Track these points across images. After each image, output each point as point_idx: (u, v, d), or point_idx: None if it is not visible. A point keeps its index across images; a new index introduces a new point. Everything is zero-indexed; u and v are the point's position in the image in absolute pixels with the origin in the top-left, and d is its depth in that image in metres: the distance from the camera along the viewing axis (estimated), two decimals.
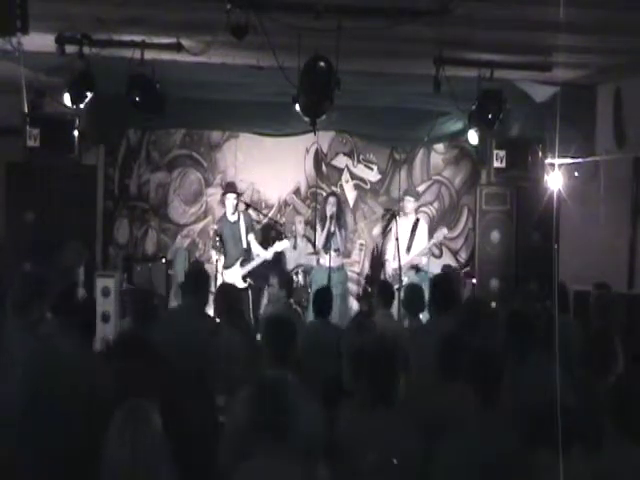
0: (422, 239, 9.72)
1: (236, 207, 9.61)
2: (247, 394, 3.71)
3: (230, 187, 9.82)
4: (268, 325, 4.56)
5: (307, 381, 4.76)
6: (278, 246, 9.49)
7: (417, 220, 9.84)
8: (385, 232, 10.46)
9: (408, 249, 9.53)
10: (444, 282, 6.33)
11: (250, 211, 10.23)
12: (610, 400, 3.56)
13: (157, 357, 4.82)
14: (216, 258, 9.92)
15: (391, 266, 9.64)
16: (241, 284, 9.26)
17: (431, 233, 10.00)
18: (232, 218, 9.60)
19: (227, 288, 6.82)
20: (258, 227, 10.36)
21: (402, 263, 9.28)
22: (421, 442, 3.84)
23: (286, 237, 10.01)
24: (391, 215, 10.10)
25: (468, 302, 6.82)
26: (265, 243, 9.94)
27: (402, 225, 9.55)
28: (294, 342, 4.29)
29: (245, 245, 9.55)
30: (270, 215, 10.77)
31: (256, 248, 9.59)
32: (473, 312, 5.69)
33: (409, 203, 9.86)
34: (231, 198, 9.59)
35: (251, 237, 9.62)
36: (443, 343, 4.56)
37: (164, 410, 3.43)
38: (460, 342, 4.52)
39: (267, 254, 9.43)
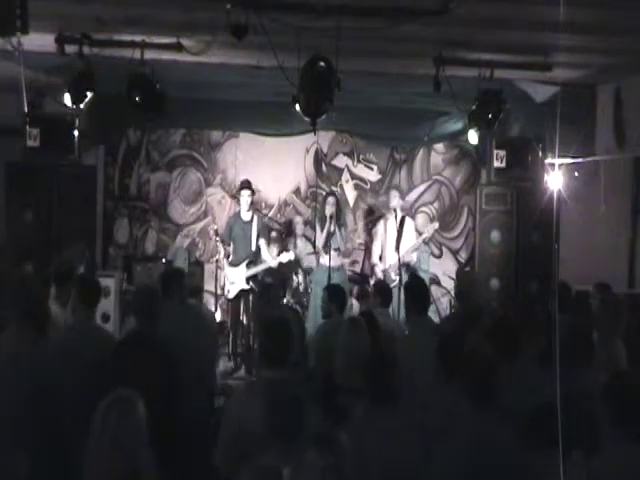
0: (410, 237, 9.64)
1: (250, 205, 9.44)
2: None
3: (245, 184, 9.54)
4: (262, 326, 4.54)
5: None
6: (283, 257, 9.32)
7: (403, 218, 9.64)
8: (370, 232, 10.44)
9: (397, 248, 9.43)
10: (417, 284, 6.28)
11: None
12: (609, 400, 3.55)
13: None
14: (216, 258, 9.91)
15: (379, 267, 9.61)
16: (245, 285, 9.23)
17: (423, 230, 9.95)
18: (245, 217, 9.42)
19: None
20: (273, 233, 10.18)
21: (392, 262, 9.30)
22: (421, 442, 3.84)
23: (287, 250, 9.82)
24: (377, 217, 10.15)
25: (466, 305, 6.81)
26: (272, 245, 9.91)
27: (389, 223, 9.56)
28: (291, 342, 4.27)
29: (254, 248, 9.33)
30: (270, 215, 10.78)
31: (265, 254, 9.41)
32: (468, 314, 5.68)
33: (394, 198, 9.74)
34: (245, 195, 9.38)
35: (262, 242, 9.40)
36: (438, 344, 4.55)
37: (162, 408, 3.44)
38: (454, 343, 4.51)
39: (273, 262, 9.28)
